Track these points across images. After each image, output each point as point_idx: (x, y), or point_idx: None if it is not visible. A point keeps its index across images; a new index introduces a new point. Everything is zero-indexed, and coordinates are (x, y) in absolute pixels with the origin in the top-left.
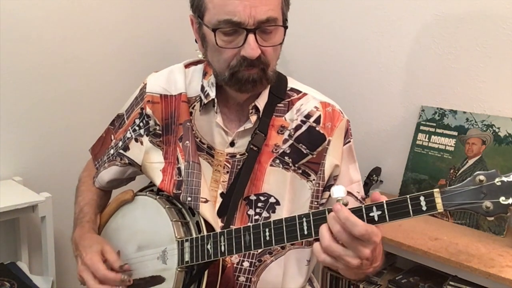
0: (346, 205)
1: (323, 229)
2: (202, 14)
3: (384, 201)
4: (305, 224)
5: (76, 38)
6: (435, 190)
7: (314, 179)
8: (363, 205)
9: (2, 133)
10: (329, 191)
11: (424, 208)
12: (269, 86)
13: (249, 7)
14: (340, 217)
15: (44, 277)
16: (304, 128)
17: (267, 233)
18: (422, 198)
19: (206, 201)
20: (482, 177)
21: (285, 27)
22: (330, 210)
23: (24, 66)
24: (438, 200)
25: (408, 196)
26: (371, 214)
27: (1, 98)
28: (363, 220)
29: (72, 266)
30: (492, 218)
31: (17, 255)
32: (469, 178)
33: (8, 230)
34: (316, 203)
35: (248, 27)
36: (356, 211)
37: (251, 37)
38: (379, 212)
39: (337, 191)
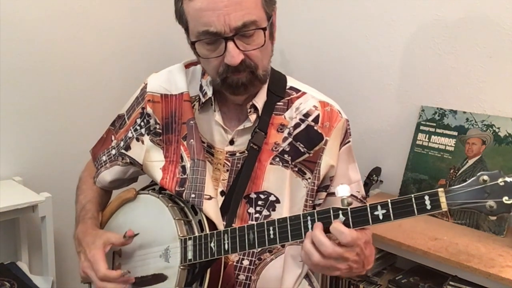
0: (350, 204)
1: (309, 247)
2: (186, 26)
3: (389, 200)
4: (309, 222)
5: (76, 38)
6: (439, 189)
7: (309, 178)
8: (367, 204)
9: (2, 133)
10: (325, 191)
11: (428, 207)
12: (266, 85)
13: (222, 15)
14: (315, 241)
15: (44, 277)
16: (302, 126)
17: (271, 232)
18: (426, 197)
19: (210, 198)
20: (485, 177)
21: (264, 29)
22: (334, 209)
23: (24, 66)
24: (443, 199)
25: (412, 195)
26: (375, 213)
27: (1, 98)
28: (368, 219)
29: (72, 266)
30: (494, 218)
31: (17, 255)
32: (473, 178)
33: (8, 230)
34: (311, 201)
35: (226, 35)
36: (361, 210)
37: (230, 44)
38: (384, 211)
39: (342, 191)
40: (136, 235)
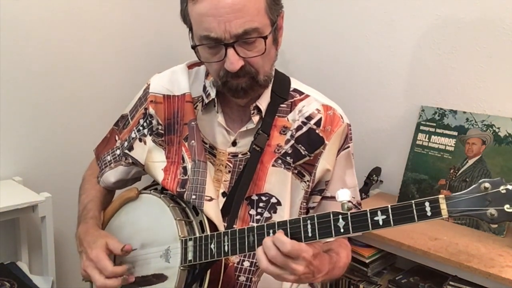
0: (349, 209)
1: (260, 253)
2: (190, 27)
3: (389, 206)
4: (309, 226)
5: (77, 39)
6: (440, 196)
7: (308, 181)
8: (367, 210)
9: (2, 133)
10: (320, 195)
11: (429, 213)
12: (270, 86)
13: (223, 22)
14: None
15: (44, 277)
16: (304, 129)
17: (271, 234)
18: (427, 204)
19: (211, 199)
20: (487, 185)
21: (265, 38)
22: (335, 213)
23: (24, 66)
24: (443, 206)
25: (413, 201)
26: (375, 218)
27: (1, 99)
28: (368, 224)
29: (72, 266)
30: (495, 225)
31: (17, 255)
32: (474, 185)
33: (8, 230)
34: (305, 204)
35: (226, 41)
36: (361, 215)
37: (230, 51)
38: (384, 217)
39: (342, 195)
40: (134, 250)
